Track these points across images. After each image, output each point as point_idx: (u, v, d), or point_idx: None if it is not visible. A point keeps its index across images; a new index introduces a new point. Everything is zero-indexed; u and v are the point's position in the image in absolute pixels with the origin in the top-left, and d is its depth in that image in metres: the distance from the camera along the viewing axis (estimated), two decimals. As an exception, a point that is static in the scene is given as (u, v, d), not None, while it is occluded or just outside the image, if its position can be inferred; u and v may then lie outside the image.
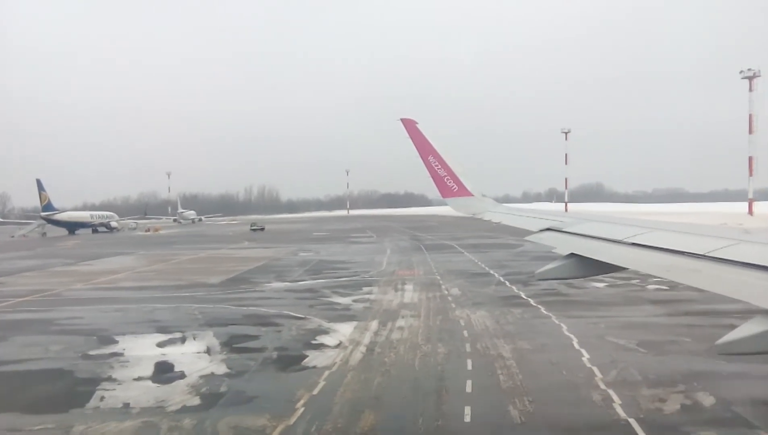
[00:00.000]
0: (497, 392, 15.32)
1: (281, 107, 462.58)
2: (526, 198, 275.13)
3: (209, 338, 22.19)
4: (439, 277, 38.30)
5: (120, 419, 13.95)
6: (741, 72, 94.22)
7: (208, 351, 20.38)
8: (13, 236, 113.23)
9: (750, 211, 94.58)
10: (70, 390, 16.59)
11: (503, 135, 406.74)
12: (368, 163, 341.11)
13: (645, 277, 31.71)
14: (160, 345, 21.42)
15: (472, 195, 17.18)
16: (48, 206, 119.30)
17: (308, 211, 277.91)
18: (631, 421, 13.12)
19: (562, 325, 23.14)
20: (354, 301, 30.30)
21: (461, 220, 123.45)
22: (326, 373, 17.37)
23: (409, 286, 34.60)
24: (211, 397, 15.54)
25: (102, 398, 15.58)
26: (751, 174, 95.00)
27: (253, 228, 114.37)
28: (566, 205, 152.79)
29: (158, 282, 40.02)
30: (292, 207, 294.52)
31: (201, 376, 17.35)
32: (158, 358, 19.53)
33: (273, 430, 13.14)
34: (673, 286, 31.29)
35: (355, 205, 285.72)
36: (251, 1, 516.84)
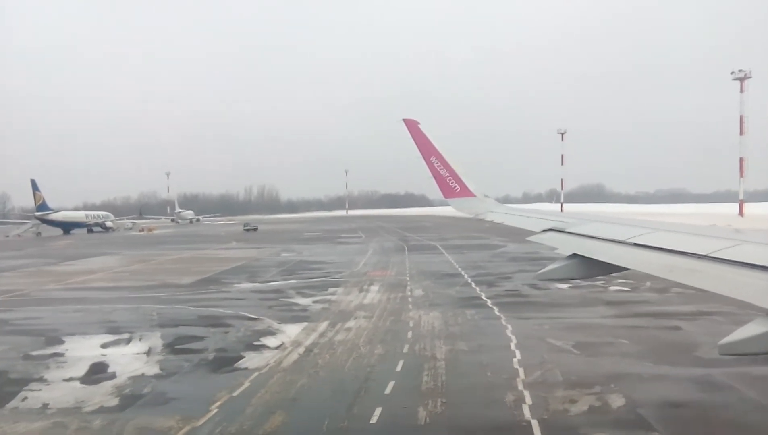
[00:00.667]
0: (415, 394, 15.38)
1: (282, 107, 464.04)
2: (527, 198, 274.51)
3: (155, 339, 22.33)
4: (408, 278, 38.39)
5: (32, 420, 14.08)
6: (732, 73, 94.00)
7: (149, 352, 20.52)
8: (8, 236, 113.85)
9: (741, 213, 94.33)
10: (-3, 390, 16.74)
11: (504, 135, 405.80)
12: (369, 164, 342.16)
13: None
14: (104, 346, 21.58)
15: (475, 195, 17.30)
16: (42, 206, 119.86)
17: (308, 212, 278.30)
18: (534, 422, 13.19)
19: (508, 326, 23.19)
20: (314, 302, 30.42)
21: (456, 220, 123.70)
22: (255, 374, 17.47)
23: (375, 287, 34.69)
24: (131, 398, 15.66)
25: (24, 399, 15.72)
26: (742, 175, 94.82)
27: (246, 228, 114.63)
28: (562, 205, 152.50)
29: (129, 282, 40.24)
30: (292, 207, 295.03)
31: (130, 377, 17.49)
32: (96, 359, 19.67)
33: (178, 431, 13.23)
34: (634, 287, 31.38)
35: (355, 205, 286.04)
36: (251, 2, 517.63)
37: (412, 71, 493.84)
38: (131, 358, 19.76)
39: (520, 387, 15.59)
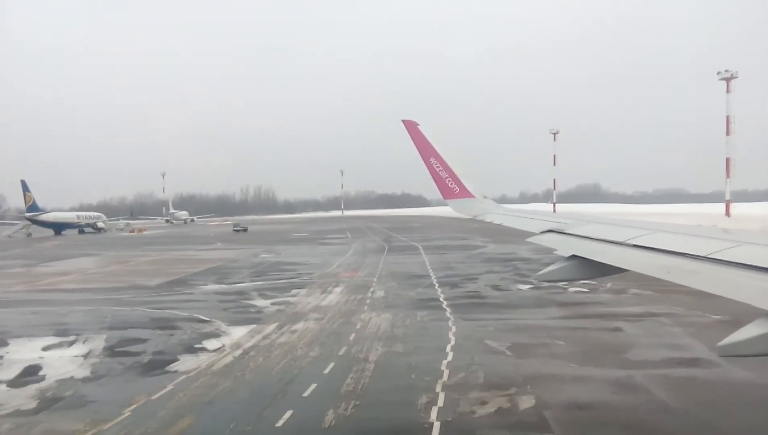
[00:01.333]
0: (332, 396, 15.39)
1: (279, 108, 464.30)
2: (523, 198, 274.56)
3: (98, 342, 22.36)
4: (375, 280, 38.42)
5: (-58, 423, 14.15)
6: (718, 73, 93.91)
7: (87, 355, 20.55)
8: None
9: (727, 213, 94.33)
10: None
11: (501, 135, 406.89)
12: (366, 164, 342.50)
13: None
14: (46, 348, 21.61)
15: (474, 197, 17.34)
16: (33, 207, 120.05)
17: (305, 212, 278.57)
18: (436, 424, 13.23)
19: (453, 327, 23.23)
20: (272, 303, 30.46)
21: (449, 221, 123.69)
22: (182, 377, 17.50)
23: (338, 289, 34.72)
24: (49, 401, 15.69)
25: (-55, 402, 15.79)
26: (728, 175, 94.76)
27: (235, 229, 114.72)
28: (554, 205, 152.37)
29: (98, 284, 40.31)
30: (289, 207, 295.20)
31: (57, 380, 17.52)
32: (33, 362, 19.71)
33: (83, 434, 13.30)
34: (593, 288, 31.38)
35: (352, 205, 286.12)
36: (250, 2, 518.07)
37: (411, 71, 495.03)
38: (67, 361, 19.80)
39: (438, 389, 15.61)
